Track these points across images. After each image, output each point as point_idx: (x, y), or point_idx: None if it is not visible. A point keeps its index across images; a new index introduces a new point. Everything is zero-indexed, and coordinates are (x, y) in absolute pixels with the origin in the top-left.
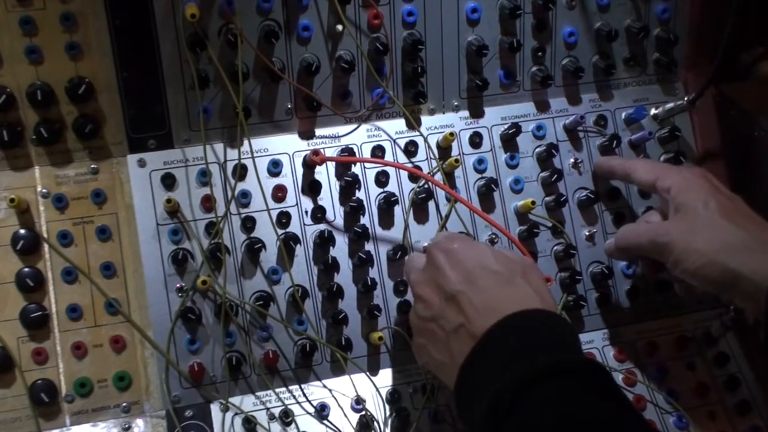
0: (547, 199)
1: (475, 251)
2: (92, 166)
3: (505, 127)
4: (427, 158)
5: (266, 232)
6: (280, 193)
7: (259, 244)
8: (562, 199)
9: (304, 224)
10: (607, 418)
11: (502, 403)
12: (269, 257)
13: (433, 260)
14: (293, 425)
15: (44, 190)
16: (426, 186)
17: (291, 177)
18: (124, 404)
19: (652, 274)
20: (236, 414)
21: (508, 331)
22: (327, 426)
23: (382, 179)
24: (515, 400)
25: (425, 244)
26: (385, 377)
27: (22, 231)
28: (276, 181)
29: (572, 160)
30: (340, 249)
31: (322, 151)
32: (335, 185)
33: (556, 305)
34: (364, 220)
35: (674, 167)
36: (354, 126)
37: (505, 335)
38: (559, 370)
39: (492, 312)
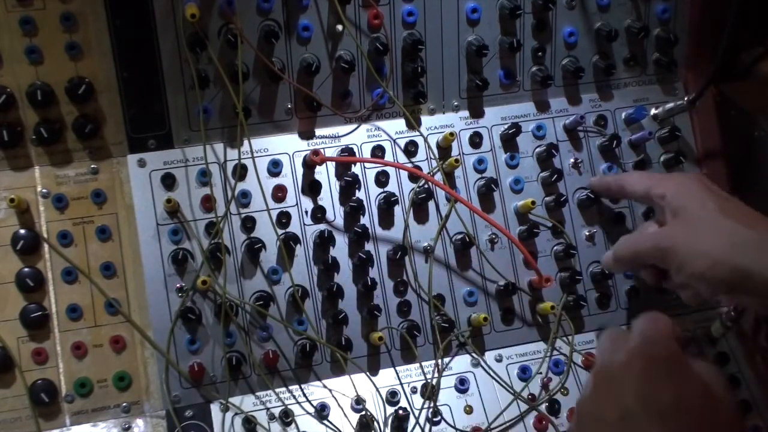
0: (547, 199)
1: (683, 383)
2: (92, 166)
3: (505, 127)
4: (427, 158)
5: (266, 232)
6: (280, 193)
7: (259, 244)
8: (562, 199)
9: (304, 224)
10: None
11: None
12: (269, 257)
13: (640, 360)
14: (293, 425)
15: (44, 190)
16: (426, 186)
17: (291, 177)
18: (124, 404)
19: (654, 283)
20: (236, 414)
21: None
22: (327, 426)
23: (382, 179)
24: None
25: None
26: (385, 377)
27: (22, 231)
28: (276, 181)
29: (572, 160)
30: (340, 249)
31: (322, 151)
32: (335, 185)
33: None
34: (364, 220)
35: (666, 174)
36: (354, 126)
37: None
38: None
39: None
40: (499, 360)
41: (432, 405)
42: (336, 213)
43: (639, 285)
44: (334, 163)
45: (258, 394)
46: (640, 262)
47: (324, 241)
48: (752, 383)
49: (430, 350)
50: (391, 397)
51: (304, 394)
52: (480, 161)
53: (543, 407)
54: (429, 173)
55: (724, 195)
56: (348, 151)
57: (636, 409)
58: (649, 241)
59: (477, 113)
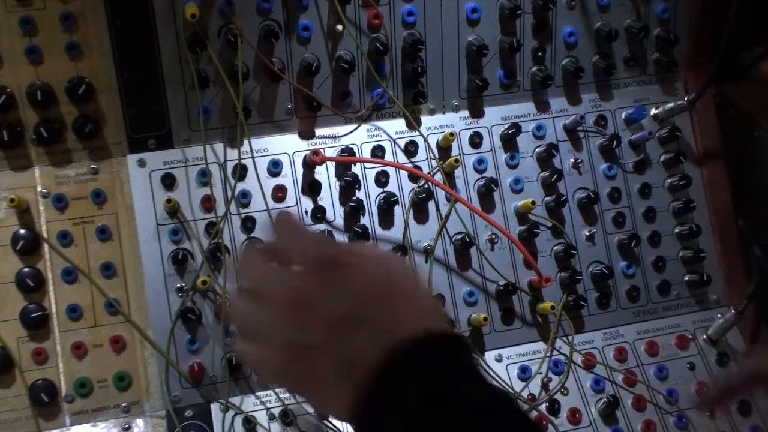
0: (547, 199)
1: (363, 266)
2: (92, 166)
3: (505, 127)
4: (427, 158)
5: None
6: (280, 193)
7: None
8: (562, 199)
9: (304, 224)
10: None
11: None
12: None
13: (312, 273)
14: (293, 425)
15: (44, 190)
16: (426, 186)
17: (291, 177)
18: (124, 404)
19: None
20: (236, 414)
21: (407, 360)
22: (327, 426)
23: (382, 179)
24: None
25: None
26: None
27: (22, 231)
28: (276, 181)
29: (572, 160)
30: None
31: (322, 151)
32: (335, 185)
33: (443, 320)
34: (364, 220)
35: None
36: (354, 126)
37: (404, 363)
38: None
39: (390, 336)
40: (499, 360)
41: None
42: (336, 213)
43: (639, 285)
44: (334, 163)
45: (258, 394)
46: None
47: None
48: None
49: None
50: None
51: None
52: (480, 161)
53: (543, 407)
54: (429, 173)
55: None
56: (348, 151)
57: (342, 311)
58: None
59: (477, 113)
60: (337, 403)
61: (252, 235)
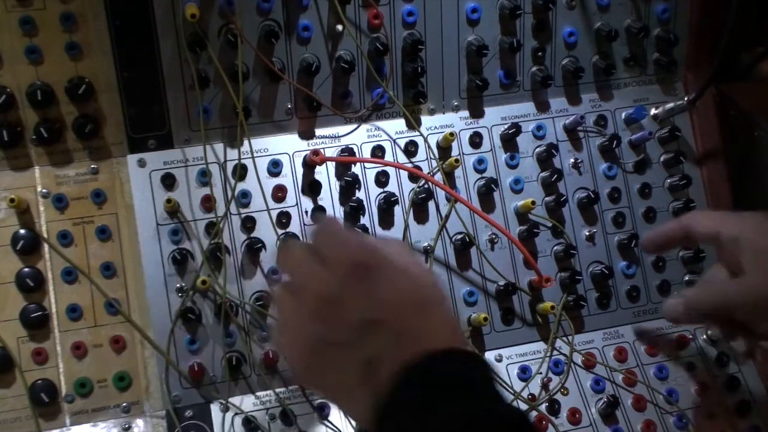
0: (547, 199)
1: (397, 275)
2: (92, 166)
3: (505, 127)
4: (427, 158)
5: (266, 232)
6: (280, 193)
7: (259, 244)
8: (562, 199)
9: (304, 224)
10: None
11: None
12: (269, 257)
13: (346, 275)
14: (293, 425)
15: (44, 190)
16: (426, 186)
17: (291, 177)
18: (124, 404)
19: (732, 338)
20: (236, 414)
21: (430, 370)
22: (327, 426)
23: (382, 179)
24: None
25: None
26: None
27: (22, 231)
28: (276, 181)
29: (572, 160)
30: None
31: (322, 151)
32: (335, 185)
33: (464, 338)
34: (364, 220)
35: (734, 214)
36: (354, 126)
37: (428, 375)
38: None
39: (414, 346)
40: (499, 360)
41: None
42: (336, 213)
43: (639, 285)
44: (334, 163)
45: (258, 394)
46: (724, 314)
47: None
48: (752, 383)
49: None
50: None
51: (305, 394)
52: (480, 161)
53: (543, 407)
54: (429, 173)
55: None
56: (348, 151)
57: (375, 313)
58: (740, 292)
59: (477, 113)
60: (357, 406)
61: (252, 235)
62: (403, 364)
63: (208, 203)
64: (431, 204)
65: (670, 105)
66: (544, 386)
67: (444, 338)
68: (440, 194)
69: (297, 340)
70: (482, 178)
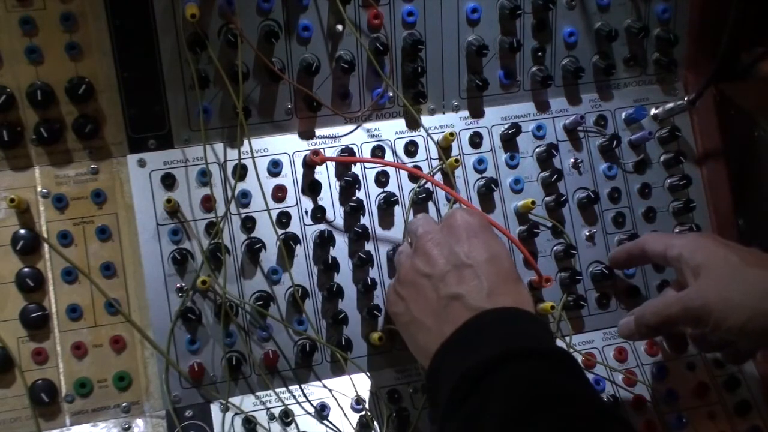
0: (547, 199)
1: (496, 241)
2: (92, 166)
3: (505, 127)
4: (427, 158)
5: (266, 232)
6: (280, 193)
7: (259, 244)
8: (562, 199)
9: (304, 224)
10: (570, 394)
11: (473, 377)
12: (269, 257)
13: (454, 226)
14: (293, 425)
15: (44, 190)
16: (426, 186)
17: (291, 177)
18: (124, 404)
19: (678, 352)
20: (236, 414)
21: (500, 318)
22: (327, 426)
23: (382, 179)
24: (484, 376)
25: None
26: (385, 377)
27: (22, 231)
28: (276, 181)
29: (572, 160)
30: (340, 249)
31: (322, 151)
32: (335, 185)
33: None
34: (364, 220)
35: (677, 234)
36: (354, 126)
37: (496, 321)
38: (530, 353)
39: (492, 298)
40: None
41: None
42: (336, 213)
43: (639, 285)
44: (334, 163)
45: (258, 394)
46: (668, 327)
47: (324, 241)
48: (752, 383)
49: None
50: (391, 397)
51: (304, 394)
52: (480, 161)
53: None
54: (429, 173)
55: (740, 247)
56: (348, 151)
57: (467, 258)
58: (678, 303)
59: (477, 113)
60: (427, 336)
61: (252, 235)
62: (481, 308)
63: (208, 203)
64: (431, 204)
65: (670, 105)
66: None
67: (524, 305)
68: (440, 194)
69: (401, 271)
70: (482, 178)
